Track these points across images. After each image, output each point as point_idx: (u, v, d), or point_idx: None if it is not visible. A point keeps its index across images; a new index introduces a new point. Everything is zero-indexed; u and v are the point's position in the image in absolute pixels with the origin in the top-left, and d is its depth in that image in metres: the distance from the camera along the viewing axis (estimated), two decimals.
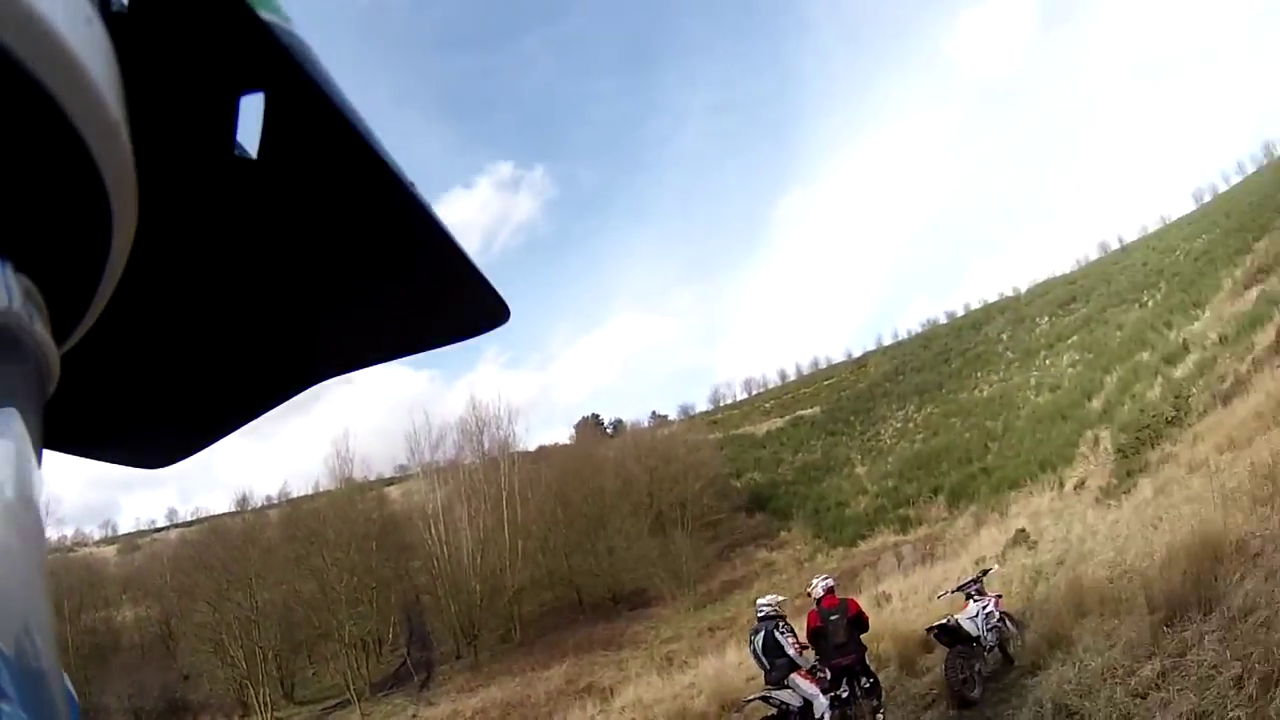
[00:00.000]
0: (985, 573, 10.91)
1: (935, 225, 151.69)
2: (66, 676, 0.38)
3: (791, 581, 28.75)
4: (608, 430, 65.79)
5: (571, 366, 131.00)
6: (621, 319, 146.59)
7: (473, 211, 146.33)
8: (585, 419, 69.89)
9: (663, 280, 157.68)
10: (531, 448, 51.36)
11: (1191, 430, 18.49)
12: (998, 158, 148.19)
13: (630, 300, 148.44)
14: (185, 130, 0.47)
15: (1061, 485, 26.72)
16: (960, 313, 76.77)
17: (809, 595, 10.15)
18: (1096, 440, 30.79)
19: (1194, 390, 23.67)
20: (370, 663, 37.08)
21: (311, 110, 0.46)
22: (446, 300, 0.64)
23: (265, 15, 0.43)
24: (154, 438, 0.68)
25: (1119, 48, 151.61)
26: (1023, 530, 19.39)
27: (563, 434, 71.16)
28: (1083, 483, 24.87)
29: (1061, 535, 16.45)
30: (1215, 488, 9.13)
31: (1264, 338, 21.60)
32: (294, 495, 52.02)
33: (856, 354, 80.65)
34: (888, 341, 79.77)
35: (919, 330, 77.96)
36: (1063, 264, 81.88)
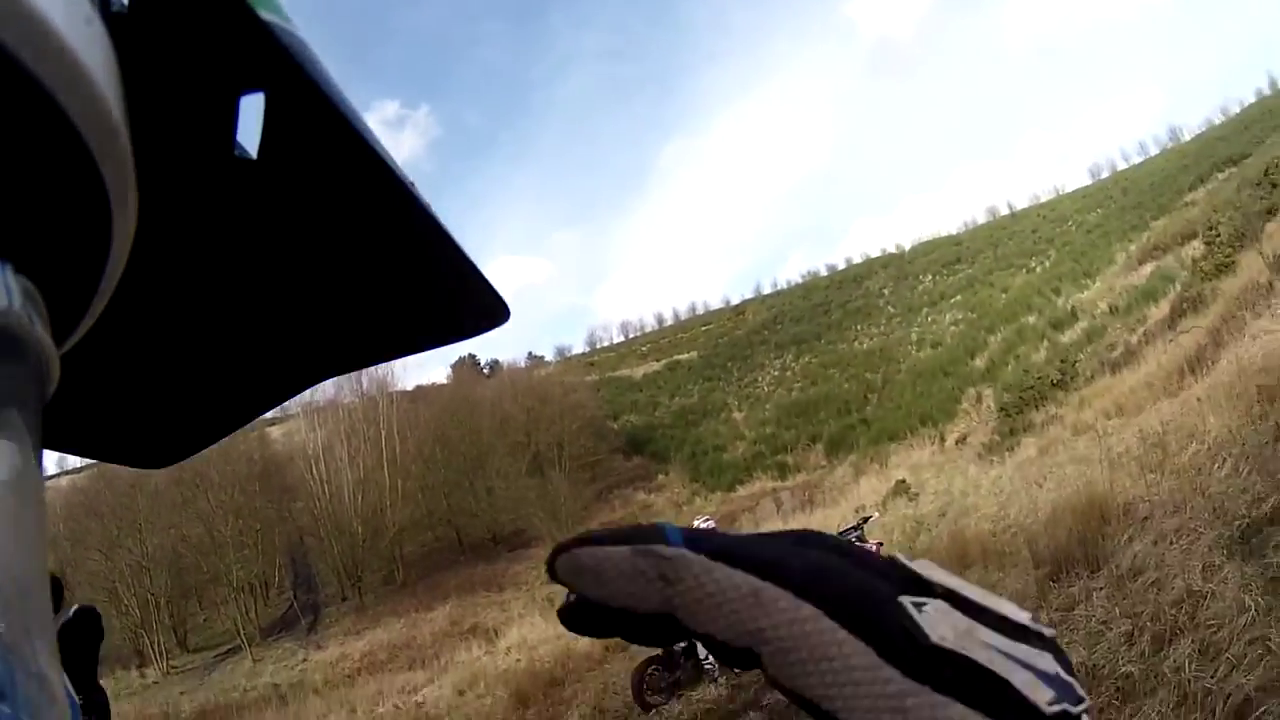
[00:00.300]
0: (866, 520, 11.07)
1: (821, 182, 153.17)
2: (66, 677, 0.37)
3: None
4: (484, 371, 64.83)
5: None
6: (501, 260, 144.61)
7: None
8: (462, 359, 67.72)
9: (545, 222, 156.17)
10: (409, 387, 50.81)
11: (1078, 394, 19.24)
12: (889, 121, 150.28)
13: (512, 241, 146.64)
14: (185, 130, 0.46)
15: (943, 440, 27.53)
16: (841, 265, 76.66)
17: None
18: (979, 398, 31.90)
19: (1081, 356, 24.58)
20: (259, 607, 36.73)
21: (311, 110, 0.46)
22: (446, 300, 0.63)
23: (265, 15, 0.43)
24: (154, 438, 0.68)
25: (1026, 20, 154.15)
26: (903, 481, 19.92)
27: (440, 374, 69.48)
28: (964, 438, 25.68)
29: (943, 488, 16.91)
30: (1102, 451, 9.34)
31: (1157, 312, 22.54)
32: None
33: (735, 301, 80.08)
34: (767, 290, 79.43)
35: (799, 281, 77.75)
36: (949, 227, 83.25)
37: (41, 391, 0.35)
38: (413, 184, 0.52)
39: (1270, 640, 4.16)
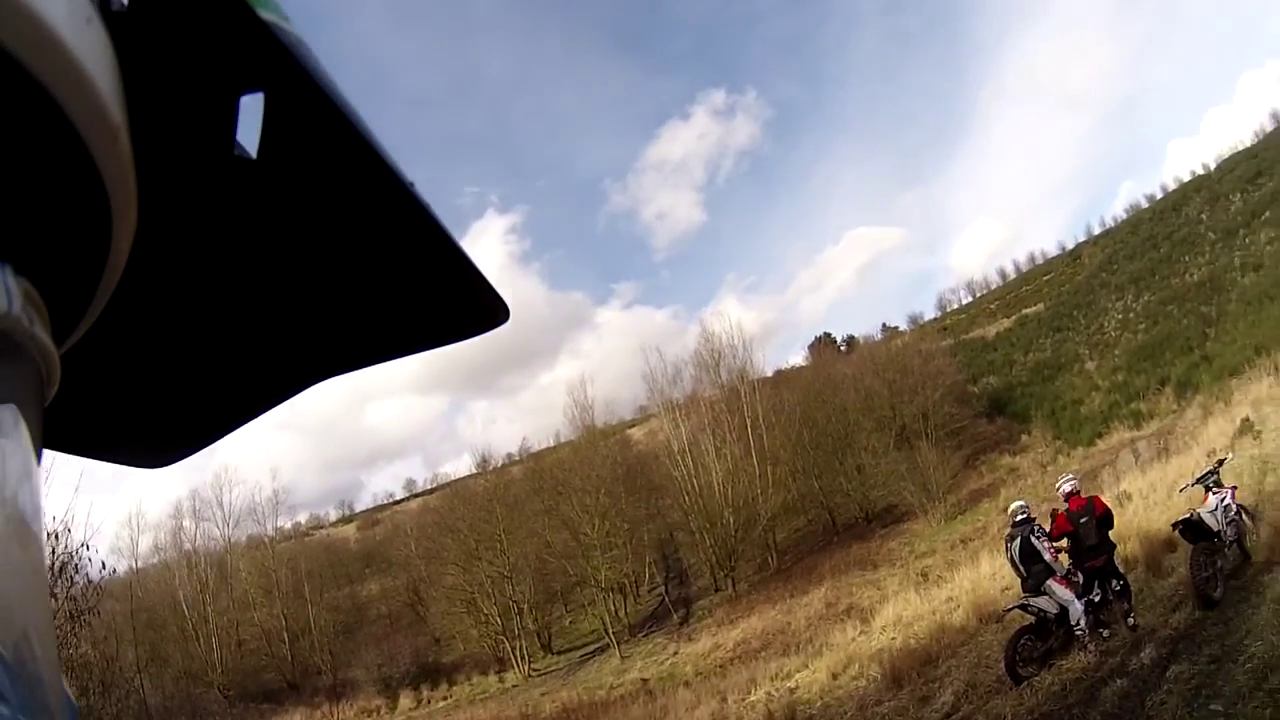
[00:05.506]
0: (1220, 463, 10.93)
1: (1127, 108, 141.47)
2: (64, 679, 0.37)
3: (1037, 486, 28.50)
4: (841, 348, 65.59)
5: (808, 284, 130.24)
6: (854, 232, 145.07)
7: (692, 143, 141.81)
8: (819, 338, 70.86)
9: (883, 188, 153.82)
10: (769, 373, 50.10)
11: None
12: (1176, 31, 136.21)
13: (857, 212, 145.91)
14: (185, 130, 0.47)
15: (1277, 370, 25.86)
16: (1159, 195, 75.80)
17: (1059, 494, 10.30)
18: None
19: None
20: (628, 605, 37.72)
21: (311, 110, 0.47)
22: (446, 300, 0.65)
23: (265, 15, 0.43)
24: (154, 438, 0.72)
25: None
26: (1247, 419, 19.28)
27: (798, 357, 70.67)
28: None
29: None
30: None
31: None
32: (535, 449, 53.40)
33: (1069, 246, 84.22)
34: (1097, 230, 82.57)
35: (1124, 217, 78.52)
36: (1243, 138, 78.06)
37: (42, 392, 0.37)
38: (413, 184, 0.53)
39: None
